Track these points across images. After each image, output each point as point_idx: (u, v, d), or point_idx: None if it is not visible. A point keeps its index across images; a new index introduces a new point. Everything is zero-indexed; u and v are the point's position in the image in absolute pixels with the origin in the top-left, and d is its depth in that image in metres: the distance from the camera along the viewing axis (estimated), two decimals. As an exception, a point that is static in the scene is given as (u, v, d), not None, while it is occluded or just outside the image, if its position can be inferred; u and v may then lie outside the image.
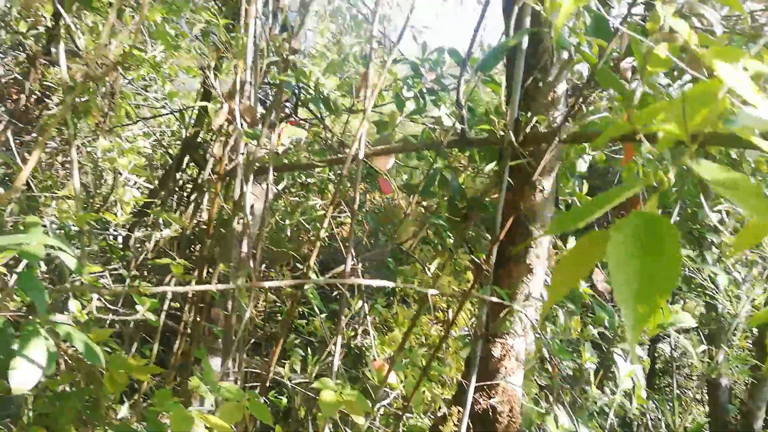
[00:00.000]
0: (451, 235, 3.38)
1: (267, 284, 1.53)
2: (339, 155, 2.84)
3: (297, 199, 2.82)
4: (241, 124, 1.81)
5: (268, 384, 2.32)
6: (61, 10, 1.78)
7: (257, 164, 2.25)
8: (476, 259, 2.73)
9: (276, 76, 1.91)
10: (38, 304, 1.28)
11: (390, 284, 1.47)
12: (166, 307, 2.89)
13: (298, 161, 3.31)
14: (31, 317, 1.33)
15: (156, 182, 4.51)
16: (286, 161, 3.19)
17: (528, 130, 1.96)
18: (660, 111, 0.63)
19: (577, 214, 0.60)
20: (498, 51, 1.66)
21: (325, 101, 2.73)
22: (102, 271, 2.47)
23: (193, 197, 4.15)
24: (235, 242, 2.12)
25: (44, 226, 3.60)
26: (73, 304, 1.35)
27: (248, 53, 1.76)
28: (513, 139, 1.90)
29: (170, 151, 5.08)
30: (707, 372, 2.95)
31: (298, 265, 3.40)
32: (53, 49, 2.20)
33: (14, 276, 1.56)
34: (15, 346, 1.30)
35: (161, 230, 3.44)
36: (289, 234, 2.92)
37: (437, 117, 3.03)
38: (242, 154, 2.07)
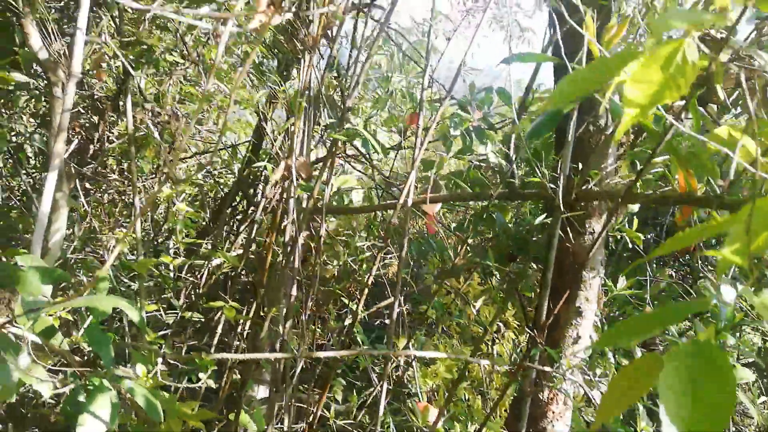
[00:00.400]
0: (497, 272, 3.36)
1: (321, 354, 1.56)
2: (386, 190, 2.87)
3: (344, 238, 2.88)
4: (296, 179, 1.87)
5: (314, 424, 2.35)
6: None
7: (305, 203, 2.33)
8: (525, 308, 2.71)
9: (331, 134, 1.98)
10: (104, 358, 1.34)
11: (442, 355, 1.47)
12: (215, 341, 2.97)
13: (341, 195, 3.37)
14: (97, 369, 1.40)
15: (208, 212, 4.65)
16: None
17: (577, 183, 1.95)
18: (722, 227, 0.63)
19: (631, 328, 0.60)
20: (550, 118, 1.67)
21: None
22: (157, 310, 2.56)
23: (242, 228, 4.27)
24: (284, 286, 2.18)
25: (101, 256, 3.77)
26: (140, 368, 1.42)
27: (303, 115, 1.83)
28: (564, 196, 1.89)
29: (221, 180, 5.25)
30: (768, 425, 2.81)
31: (343, 298, 3.43)
32: (121, 102, 2.33)
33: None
34: (81, 398, 1.36)
35: (211, 260, 3.55)
36: (336, 273, 2.97)
37: (484, 154, 3.03)
38: (294, 197, 2.13)
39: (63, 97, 1.66)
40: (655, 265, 4.68)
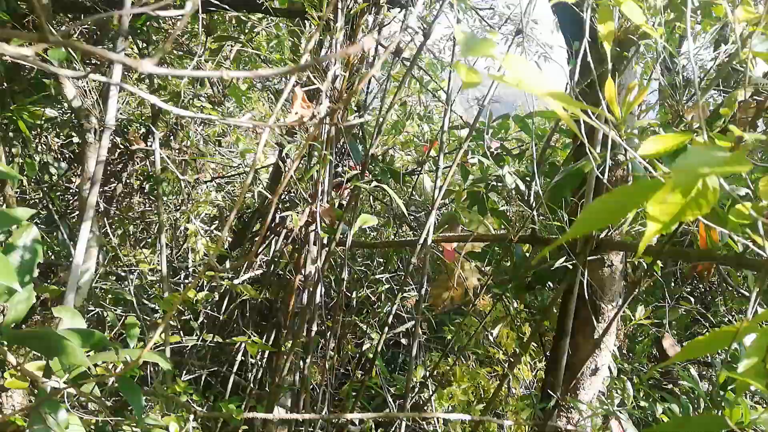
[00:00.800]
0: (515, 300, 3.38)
1: (348, 416, 1.59)
2: (406, 223, 2.91)
3: (362, 269, 2.91)
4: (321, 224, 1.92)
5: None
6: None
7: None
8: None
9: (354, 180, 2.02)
10: (135, 407, 1.39)
11: (466, 417, 1.50)
12: (236, 369, 3.02)
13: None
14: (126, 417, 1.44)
15: (226, 232, 4.72)
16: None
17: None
18: (740, 336, 0.65)
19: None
20: (571, 177, 1.69)
21: (393, 173, 2.81)
22: (180, 342, 2.62)
23: (261, 249, 4.33)
24: (306, 321, 2.22)
25: (124, 276, 3.85)
26: (173, 427, 1.46)
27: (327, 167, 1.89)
28: (585, 246, 1.91)
29: (238, 197, 5.32)
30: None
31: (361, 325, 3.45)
32: (149, 142, 2.41)
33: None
34: (113, 446, 1.41)
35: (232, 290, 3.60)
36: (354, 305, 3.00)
37: (500, 175, 3.05)
38: (317, 234, 2.17)
39: (97, 148, 1.72)
40: (673, 285, 4.64)
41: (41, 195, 3.06)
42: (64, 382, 1.30)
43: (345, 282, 2.08)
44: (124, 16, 1.56)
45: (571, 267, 2.08)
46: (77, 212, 4.04)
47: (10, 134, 3.24)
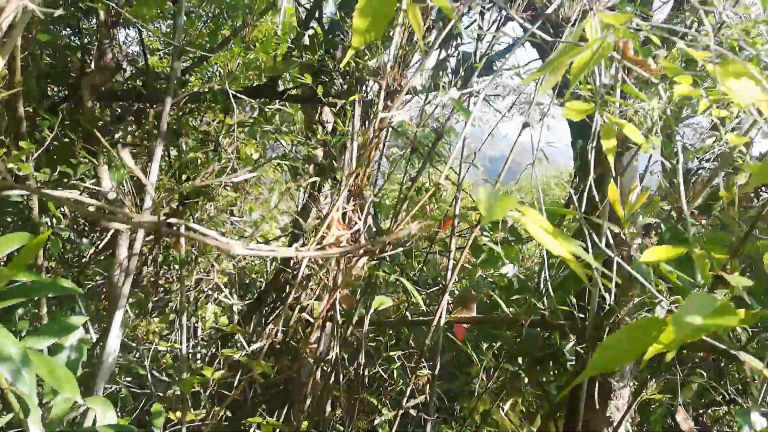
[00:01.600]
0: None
1: None
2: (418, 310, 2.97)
3: (373, 344, 2.95)
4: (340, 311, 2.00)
5: None
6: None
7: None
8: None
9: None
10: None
11: None
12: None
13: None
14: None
15: (236, 298, 4.78)
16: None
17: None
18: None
19: None
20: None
21: (407, 251, 2.90)
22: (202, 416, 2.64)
23: (270, 319, 4.37)
24: (321, 401, 2.25)
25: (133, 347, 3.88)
26: None
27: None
28: (594, 331, 1.97)
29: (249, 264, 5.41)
30: None
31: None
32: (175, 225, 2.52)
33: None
34: None
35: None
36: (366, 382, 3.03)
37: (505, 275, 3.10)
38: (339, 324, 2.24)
39: (128, 236, 1.81)
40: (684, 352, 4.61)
41: (64, 270, 3.16)
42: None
43: (361, 364, 2.13)
44: (164, 117, 1.70)
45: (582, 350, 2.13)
46: (93, 283, 4.13)
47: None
